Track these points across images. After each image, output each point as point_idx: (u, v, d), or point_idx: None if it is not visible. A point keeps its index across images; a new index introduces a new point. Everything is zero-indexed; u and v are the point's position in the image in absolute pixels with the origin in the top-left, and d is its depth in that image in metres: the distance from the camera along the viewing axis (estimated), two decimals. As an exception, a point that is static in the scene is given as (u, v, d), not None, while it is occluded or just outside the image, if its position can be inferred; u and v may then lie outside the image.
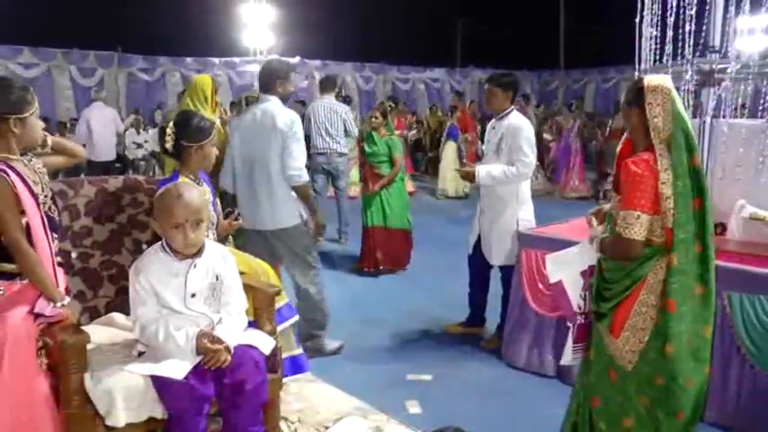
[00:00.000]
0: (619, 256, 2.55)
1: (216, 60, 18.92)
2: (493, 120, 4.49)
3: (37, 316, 2.45)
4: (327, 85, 7.85)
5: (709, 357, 2.56)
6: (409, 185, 11.52)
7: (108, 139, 9.88)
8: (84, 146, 6.37)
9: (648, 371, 2.52)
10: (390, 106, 12.52)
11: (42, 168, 2.64)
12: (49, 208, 2.57)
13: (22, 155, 2.56)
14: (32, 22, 18.52)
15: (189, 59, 18.53)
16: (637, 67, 4.14)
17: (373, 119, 6.56)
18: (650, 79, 2.51)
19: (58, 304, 2.47)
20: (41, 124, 2.64)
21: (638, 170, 2.43)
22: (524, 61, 21.62)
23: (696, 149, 2.48)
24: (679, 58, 4.08)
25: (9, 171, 2.41)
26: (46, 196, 2.57)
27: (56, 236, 2.60)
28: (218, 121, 3.88)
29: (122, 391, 2.37)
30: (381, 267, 6.40)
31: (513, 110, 4.37)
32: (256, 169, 3.97)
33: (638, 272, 2.51)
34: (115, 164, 11.12)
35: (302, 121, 5.64)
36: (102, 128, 9.73)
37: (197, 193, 2.58)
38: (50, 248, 2.52)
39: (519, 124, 4.27)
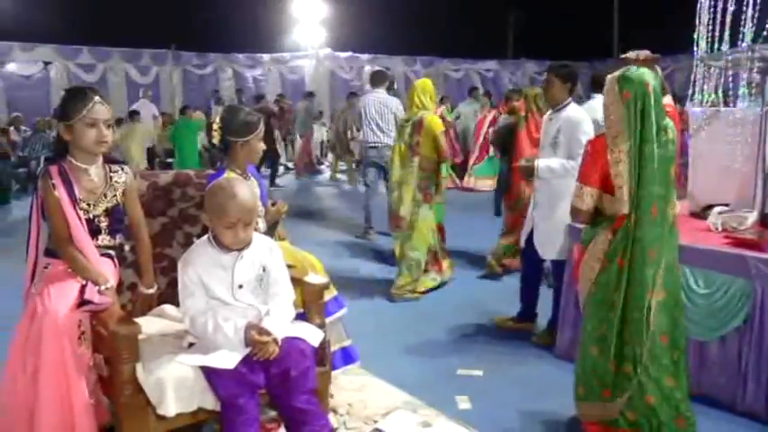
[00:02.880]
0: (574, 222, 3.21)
1: (266, 57, 19.12)
2: (550, 111, 4.39)
3: (82, 303, 2.55)
4: (378, 78, 7.83)
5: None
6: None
7: (149, 130, 12.41)
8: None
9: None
10: (441, 98, 12.46)
11: (120, 180, 2.81)
12: (94, 216, 2.71)
13: (111, 163, 2.82)
14: (90, 24, 19.04)
15: (241, 56, 18.79)
16: (696, 53, 3.99)
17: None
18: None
19: (103, 287, 2.59)
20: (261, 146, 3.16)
21: (592, 149, 2.91)
22: (577, 52, 21.21)
23: (648, 141, 2.73)
24: (739, 44, 3.92)
25: (56, 177, 2.63)
26: (90, 204, 2.70)
27: (105, 235, 2.75)
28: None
29: (173, 381, 2.40)
30: None
31: (570, 102, 4.27)
32: None
33: (586, 237, 3.00)
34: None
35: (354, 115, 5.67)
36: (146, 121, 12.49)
37: (250, 193, 2.58)
38: (92, 246, 2.69)
39: (578, 118, 4.17)
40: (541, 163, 4.22)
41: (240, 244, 2.56)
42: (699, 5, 3.98)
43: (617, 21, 23.50)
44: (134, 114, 12.33)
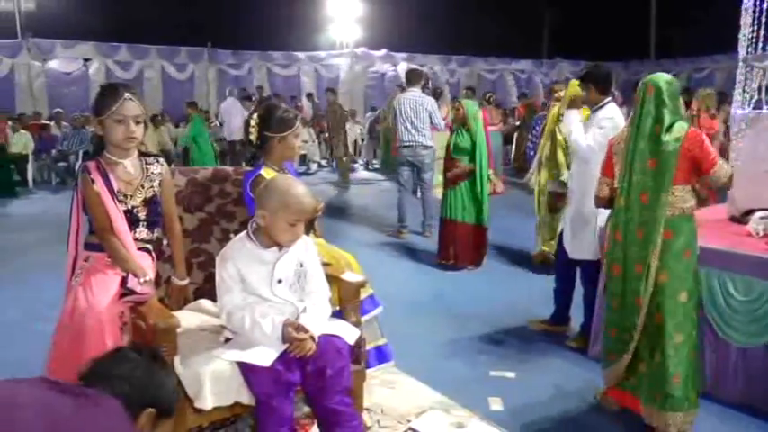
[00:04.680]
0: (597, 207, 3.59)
1: (302, 55, 19.21)
2: (590, 112, 4.37)
3: (124, 294, 2.60)
4: (414, 77, 7.83)
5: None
6: (499, 185, 11.32)
7: (236, 124, 12.44)
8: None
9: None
10: (488, 98, 12.36)
11: (156, 171, 2.86)
12: (132, 207, 2.76)
13: (145, 156, 2.87)
14: (129, 22, 19.33)
15: (276, 54, 18.91)
16: (741, 54, 3.91)
17: (458, 111, 6.46)
18: None
19: (142, 279, 2.63)
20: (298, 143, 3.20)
21: (608, 145, 3.36)
22: (613, 52, 20.97)
23: (642, 137, 3.07)
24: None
25: (94, 172, 2.68)
26: (128, 196, 2.75)
27: (143, 228, 2.79)
28: None
29: (210, 375, 2.43)
30: (451, 262, 6.30)
31: (609, 102, 4.24)
32: None
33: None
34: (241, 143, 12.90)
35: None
36: (231, 116, 12.93)
37: (311, 192, 2.60)
38: (131, 238, 2.74)
39: (606, 115, 4.16)
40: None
41: (294, 242, 2.58)
42: (743, 5, 3.89)
43: (654, 20, 23.15)
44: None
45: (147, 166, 2.85)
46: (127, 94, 2.68)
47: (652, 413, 3.09)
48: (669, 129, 3.02)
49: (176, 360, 2.46)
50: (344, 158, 12.91)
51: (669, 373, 3.02)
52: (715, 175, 3.04)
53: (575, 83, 4.90)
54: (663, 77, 3.12)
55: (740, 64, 4.14)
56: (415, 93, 7.57)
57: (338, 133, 12.98)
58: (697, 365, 3.14)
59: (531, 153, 11.64)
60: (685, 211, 3.06)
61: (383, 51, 19.96)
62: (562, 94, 5.95)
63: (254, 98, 14.09)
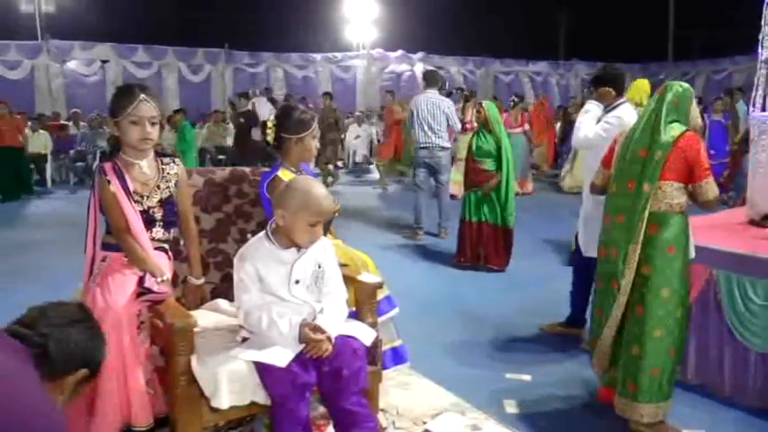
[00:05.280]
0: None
1: (317, 56, 19.25)
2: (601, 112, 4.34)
3: (141, 294, 2.62)
4: (431, 79, 7.82)
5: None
6: (527, 185, 11.29)
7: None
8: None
9: None
10: (513, 101, 12.30)
11: (172, 171, 2.88)
12: (149, 207, 2.78)
13: (162, 156, 2.89)
14: (146, 24, 19.48)
15: (293, 55, 18.95)
16: (764, 55, 3.87)
17: (479, 112, 6.44)
18: None
19: (159, 279, 2.65)
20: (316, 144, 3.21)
21: (614, 140, 3.40)
22: (630, 53, 20.84)
23: (635, 130, 3.17)
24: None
25: (110, 173, 2.70)
26: (144, 196, 2.77)
27: (159, 228, 2.81)
28: None
29: (227, 374, 2.43)
30: (480, 263, 6.28)
31: (623, 102, 4.23)
32: None
33: None
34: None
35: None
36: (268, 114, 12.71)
37: (330, 194, 2.61)
38: (147, 238, 2.76)
39: (618, 113, 4.14)
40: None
41: (312, 243, 2.58)
42: (765, 5, 3.85)
43: (672, 21, 22.98)
44: None
45: (163, 167, 2.87)
46: (142, 96, 2.70)
47: (625, 404, 3.10)
48: (669, 127, 3.07)
49: (193, 359, 2.47)
50: (328, 165, 12.75)
51: (646, 365, 3.02)
52: (703, 188, 3.05)
53: (640, 83, 4.89)
54: (680, 83, 3.19)
55: (759, 65, 4.09)
56: (432, 94, 7.57)
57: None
58: (677, 361, 3.14)
59: (566, 155, 11.66)
60: (673, 207, 3.05)
61: (399, 52, 19.97)
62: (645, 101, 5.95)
63: (279, 100, 14.12)
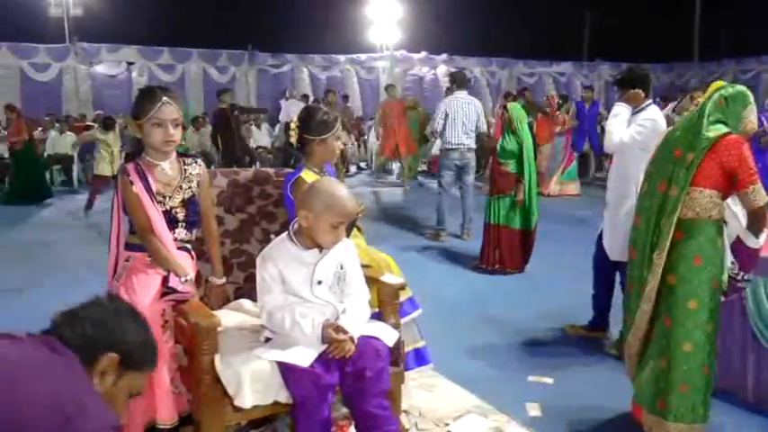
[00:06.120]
0: None
1: (341, 57, 19.29)
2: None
3: (166, 293, 2.65)
4: (461, 80, 7.83)
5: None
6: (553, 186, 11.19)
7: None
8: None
9: None
10: (559, 103, 12.20)
11: (194, 172, 2.89)
12: (171, 208, 2.79)
13: (183, 157, 2.90)
14: (171, 26, 19.68)
15: (316, 56, 19.00)
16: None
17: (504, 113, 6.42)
18: None
19: (183, 279, 2.67)
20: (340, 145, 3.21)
21: None
22: (654, 53, 20.62)
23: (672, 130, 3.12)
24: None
25: (133, 173, 2.72)
26: (167, 197, 2.78)
27: (182, 229, 2.83)
28: None
29: (250, 374, 2.45)
30: (497, 266, 6.26)
31: (650, 104, 4.19)
32: None
33: None
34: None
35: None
36: (293, 115, 12.39)
37: (353, 196, 2.62)
38: (170, 238, 2.77)
39: (647, 116, 4.10)
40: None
41: (335, 244, 2.59)
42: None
43: (698, 20, 22.68)
44: (108, 121, 11.01)
45: (186, 167, 2.89)
46: (165, 98, 2.71)
47: (654, 422, 2.99)
48: (710, 128, 2.89)
49: (216, 358, 2.49)
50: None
51: (675, 380, 2.91)
52: (749, 196, 2.83)
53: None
54: (735, 85, 3.04)
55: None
56: (464, 95, 7.59)
57: None
58: (709, 383, 2.96)
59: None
60: (700, 215, 2.89)
61: (423, 54, 19.94)
62: (701, 100, 5.88)
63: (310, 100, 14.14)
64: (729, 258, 3.01)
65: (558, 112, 11.57)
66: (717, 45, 21.55)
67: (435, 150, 11.72)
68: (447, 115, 7.48)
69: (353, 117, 14.59)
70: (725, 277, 2.98)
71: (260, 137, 14.48)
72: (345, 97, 16.20)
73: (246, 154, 10.94)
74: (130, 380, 1.69)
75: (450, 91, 7.89)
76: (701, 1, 22.46)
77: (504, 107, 6.64)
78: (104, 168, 9.95)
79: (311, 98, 14.72)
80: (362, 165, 15.82)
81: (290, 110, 13.14)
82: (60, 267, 6.56)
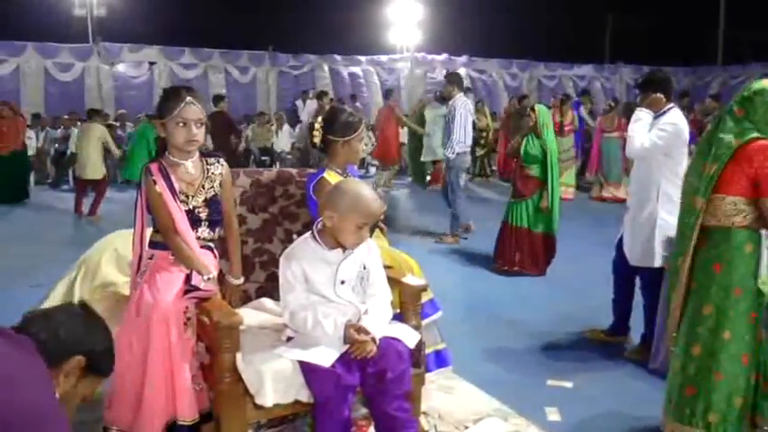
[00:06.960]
0: None
1: (362, 58, 19.28)
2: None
3: (188, 291, 2.68)
4: (459, 81, 7.88)
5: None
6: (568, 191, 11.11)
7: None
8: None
9: None
10: (610, 105, 12.14)
11: (216, 171, 2.91)
12: (194, 207, 2.81)
13: (207, 156, 2.92)
14: (193, 27, 19.82)
15: (337, 57, 19.00)
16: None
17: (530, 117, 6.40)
18: None
19: (205, 277, 2.69)
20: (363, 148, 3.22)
21: None
22: (677, 56, 20.41)
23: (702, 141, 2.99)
24: None
25: (156, 173, 2.76)
26: (189, 196, 2.81)
27: (205, 228, 2.85)
28: None
29: (271, 372, 2.46)
30: (516, 269, 6.24)
31: (672, 107, 4.13)
32: None
33: None
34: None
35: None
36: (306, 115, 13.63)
37: (379, 197, 2.63)
38: (193, 237, 2.80)
39: (669, 120, 4.05)
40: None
41: (359, 245, 2.60)
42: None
43: (723, 22, 22.42)
44: (93, 113, 11.08)
45: (208, 167, 2.91)
46: (189, 98, 2.74)
47: (665, 418, 3.00)
48: (731, 134, 2.78)
49: (238, 356, 2.50)
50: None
51: (682, 381, 2.89)
52: None
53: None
54: (760, 81, 2.88)
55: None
56: (468, 98, 7.67)
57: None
58: (733, 403, 2.81)
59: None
60: (722, 222, 2.81)
61: (444, 56, 19.88)
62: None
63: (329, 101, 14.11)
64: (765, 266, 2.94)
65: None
66: (741, 48, 21.30)
67: (425, 157, 11.59)
68: (456, 117, 7.46)
69: (364, 117, 14.48)
70: (766, 288, 2.87)
71: (282, 137, 14.54)
72: (353, 97, 16.18)
73: (246, 155, 10.99)
74: (89, 383, 1.80)
75: (448, 93, 7.82)
76: (725, 2, 22.19)
77: (532, 108, 6.60)
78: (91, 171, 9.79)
79: (327, 98, 14.72)
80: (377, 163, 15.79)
81: (310, 109, 13.15)
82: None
